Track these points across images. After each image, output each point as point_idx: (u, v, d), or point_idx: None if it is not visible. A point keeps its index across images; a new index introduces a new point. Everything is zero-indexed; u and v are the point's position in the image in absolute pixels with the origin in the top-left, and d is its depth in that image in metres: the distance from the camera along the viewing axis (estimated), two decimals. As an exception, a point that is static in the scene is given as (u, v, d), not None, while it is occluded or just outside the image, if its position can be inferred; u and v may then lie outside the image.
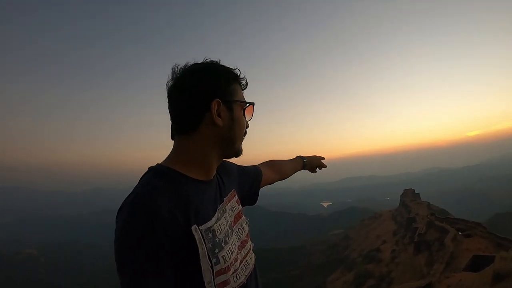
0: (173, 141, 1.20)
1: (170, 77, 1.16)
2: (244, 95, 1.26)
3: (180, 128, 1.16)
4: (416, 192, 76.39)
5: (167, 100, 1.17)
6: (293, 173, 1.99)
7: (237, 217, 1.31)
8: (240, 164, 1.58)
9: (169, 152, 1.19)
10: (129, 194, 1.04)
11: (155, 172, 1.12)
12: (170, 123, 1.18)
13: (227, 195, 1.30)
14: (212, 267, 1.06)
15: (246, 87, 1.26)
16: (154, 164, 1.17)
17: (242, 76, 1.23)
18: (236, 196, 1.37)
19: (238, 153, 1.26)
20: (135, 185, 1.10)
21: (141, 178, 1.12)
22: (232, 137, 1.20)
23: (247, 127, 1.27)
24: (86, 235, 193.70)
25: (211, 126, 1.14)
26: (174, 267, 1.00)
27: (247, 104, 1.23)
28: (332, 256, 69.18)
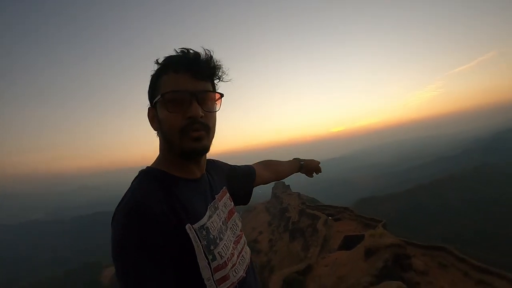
0: None
1: None
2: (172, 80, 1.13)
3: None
4: (286, 184, 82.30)
5: None
6: (289, 175, 2.02)
7: (231, 213, 1.34)
8: (232, 164, 1.63)
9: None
10: (121, 199, 1.05)
11: (144, 175, 1.14)
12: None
13: (219, 192, 1.32)
14: (209, 264, 1.09)
15: (187, 64, 1.11)
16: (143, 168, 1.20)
17: (175, 54, 1.13)
18: (228, 193, 1.39)
19: (185, 150, 1.12)
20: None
21: (132, 182, 1.13)
22: (166, 137, 1.14)
23: (193, 116, 1.10)
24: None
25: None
26: (173, 267, 1.01)
27: (163, 95, 1.11)
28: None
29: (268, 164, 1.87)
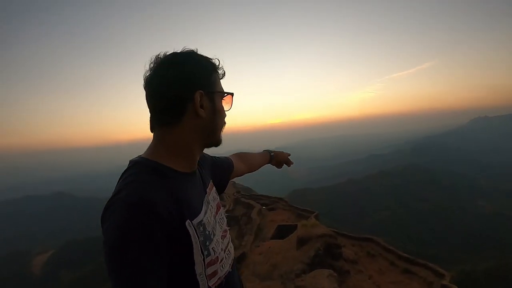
0: (152, 133, 1.17)
1: (148, 67, 1.12)
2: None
3: (162, 119, 1.12)
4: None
5: (145, 91, 1.12)
6: (260, 167, 2.05)
7: (218, 207, 1.32)
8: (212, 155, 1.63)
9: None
10: (118, 191, 1.00)
11: (142, 167, 1.08)
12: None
13: (208, 185, 1.31)
14: (204, 259, 1.09)
15: (224, 76, 1.23)
16: (135, 157, 1.15)
17: (220, 65, 1.21)
18: (214, 186, 1.38)
19: (218, 143, 1.24)
20: (120, 180, 1.07)
21: (124, 173, 1.09)
22: (213, 128, 1.19)
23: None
24: None
25: (194, 117, 1.12)
26: (169, 262, 1.00)
27: (226, 94, 1.22)
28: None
29: (242, 157, 1.88)
